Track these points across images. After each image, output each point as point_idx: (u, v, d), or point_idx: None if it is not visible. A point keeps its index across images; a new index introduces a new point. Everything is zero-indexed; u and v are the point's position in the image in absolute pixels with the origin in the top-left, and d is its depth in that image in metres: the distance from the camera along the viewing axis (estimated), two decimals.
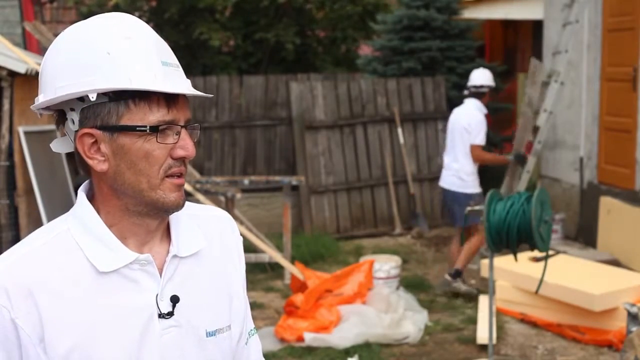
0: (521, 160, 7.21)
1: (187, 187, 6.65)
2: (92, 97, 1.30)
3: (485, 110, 6.93)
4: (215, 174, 9.11)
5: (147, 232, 1.39)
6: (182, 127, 1.34)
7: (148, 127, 1.30)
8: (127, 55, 1.30)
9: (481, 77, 6.98)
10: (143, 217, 1.37)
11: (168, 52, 1.36)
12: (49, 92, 1.35)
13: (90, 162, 1.35)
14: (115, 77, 1.29)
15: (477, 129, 6.76)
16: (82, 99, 1.32)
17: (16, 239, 6.42)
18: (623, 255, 7.26)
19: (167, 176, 1.34)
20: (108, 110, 1.31)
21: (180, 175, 1.36)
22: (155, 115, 1.31)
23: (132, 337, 1.34)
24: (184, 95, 1.36)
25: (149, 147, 1.32)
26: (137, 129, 1.31)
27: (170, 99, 1.32)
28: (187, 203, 1.50)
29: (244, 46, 11.29)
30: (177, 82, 1.34)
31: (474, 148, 6.78)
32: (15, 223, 6.64)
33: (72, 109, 1.34)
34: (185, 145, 1.34)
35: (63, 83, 1.33)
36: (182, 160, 1.35)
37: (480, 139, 6.78)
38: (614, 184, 7.81)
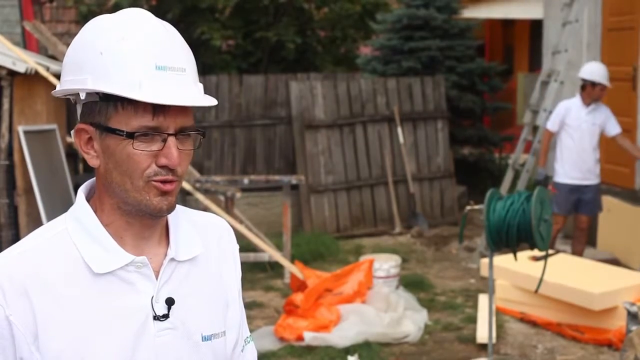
0: None
1: (187, 186, 6.65)
2: (82, 95, 1.33)
3: (577, 103, 6.82)
4: (215, 173, 9.11)
5: (142, 233, 1.39)
6: (168, 135, 1.32)
7: (125, 133, 1.30)
8: (116, 58, 1.30)
9: (581, 69, 6.96)
10: (134, 217, 1.37)
11: (172, 54, 1.33)
12: (61, 82, 1.39)
13: (85, 156, 1.38)
14: (101, 80, 1.30)
15: (553, 113, 7.00)
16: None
17: (16, 238, 6.43)
18: (623, 254, 7.27)
19: (152, 181, 1.33)
20: (99, 109, 1.33)
21: (167, 182, 1.34)
22: (139, 120, 1.30)
23: (126, 339, 1.34)
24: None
25: (130, 150, 1.31)
26: (117, 132, 1.31)
27: (157, 106, 1.29)
28: (185, 208, 1.51)
29: (244, 45, 11.29)
30: (172, 88, 1.30)
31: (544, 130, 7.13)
32: (14, 222, 6.64)
33: (77, 102, 1.38)
34: (169, 154, 1.32)
35: (66, 77, 1.36)
36: (167, 168, 1.33)
37: (549, 123, 6.97)
38: (613, 183, 7.82)
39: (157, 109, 1.30)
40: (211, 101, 1.36)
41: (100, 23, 1.35)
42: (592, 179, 6.85)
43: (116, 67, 1.29)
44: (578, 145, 6.80)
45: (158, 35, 1.33)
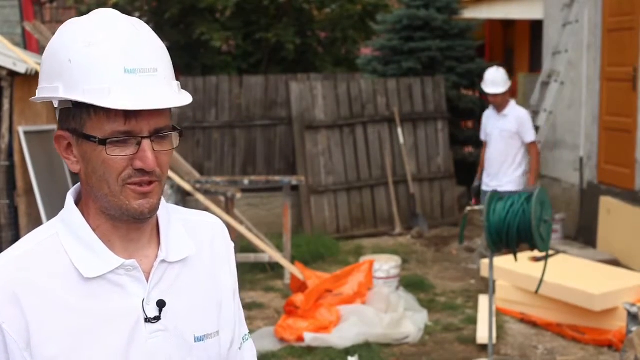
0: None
1: (187, 187, 6.65)
2: (56, 104, 1.32)
3: (491, 111, 6.92)
4: (215, 173, 9.11)
5: (130, 235, 1.38)
6: (142, 138, 1.30)
7: (97, 139, 1.29)
8: (84, 64, 1.28)
9: None
10: (119, 220, 1.36)
11: (142, 55, 1.30)
12: (38, 89, 1.38)
13: (66, 161, 1.37)
14: (71, 88, 1.29)
15: None
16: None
17: (16, 238, 6.42)
18: (623, 255, 7.26)
19: (128, 184, 1.32)
20: (73, 115, 1.32)
21: (145, 184, 1.32)
22: (111, 126, 1.28)
23: (118, 342, 1.34)
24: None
25: (105, 156, 1.30)
26: (90, 139, 1.30)
27: (129, 110, 1.27)
28: (178, 208, 1.50)
29: (244, 46, 11.29)
30: (143, 91, 1.28)
31: None
32: (15, 223, 6.63)
33: (55, 108, 1.37)
34: (144, 157, 1.30)
35: (41, 84, 1.36)
36: (143, 170, 1.31)
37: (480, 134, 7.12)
38: (613, 184, 7.81)
39: (129, 114, 1.28)
40: (185, 100, 1.33)
41: (69, 28, 1.34)
42: (505, 186, 6.58)
43: (85, 74, 1.28)
44: (491, 152, 6.87)
45: (127, 36, 1.31)
